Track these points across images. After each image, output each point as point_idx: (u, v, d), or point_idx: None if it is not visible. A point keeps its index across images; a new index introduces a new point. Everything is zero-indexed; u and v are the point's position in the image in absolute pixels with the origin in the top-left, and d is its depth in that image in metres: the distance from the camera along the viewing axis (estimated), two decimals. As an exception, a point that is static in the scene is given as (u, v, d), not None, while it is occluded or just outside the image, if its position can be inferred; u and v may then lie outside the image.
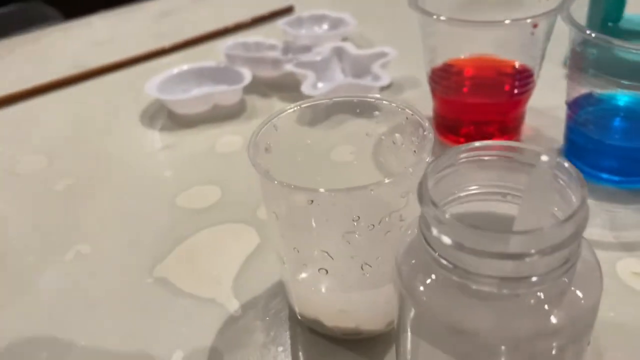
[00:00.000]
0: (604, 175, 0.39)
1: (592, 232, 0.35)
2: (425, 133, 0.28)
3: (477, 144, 0.22)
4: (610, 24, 0.41)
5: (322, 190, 0.24)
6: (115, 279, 0.36)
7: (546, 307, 0.20)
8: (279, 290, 0.34)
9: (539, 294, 0.20)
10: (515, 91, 0.43)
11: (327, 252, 0.27)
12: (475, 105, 0.44)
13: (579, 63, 0.38)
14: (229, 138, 0.49)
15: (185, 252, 0.38)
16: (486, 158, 0.22)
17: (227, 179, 0.44)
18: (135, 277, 0.36)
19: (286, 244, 0.28)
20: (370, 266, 0.27)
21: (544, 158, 0.19)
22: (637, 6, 0.45)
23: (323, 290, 0.29)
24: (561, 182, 0.21)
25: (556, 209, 0.21)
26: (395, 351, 0.25)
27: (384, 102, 0.31)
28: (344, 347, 0.30)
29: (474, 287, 0.20)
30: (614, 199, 0.38)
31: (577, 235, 0.19)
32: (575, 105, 0.39)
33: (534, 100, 0.44)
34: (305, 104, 0.31)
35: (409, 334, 0.23)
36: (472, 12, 0.45)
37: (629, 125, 0.39)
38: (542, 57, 0.42)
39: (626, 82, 0.37)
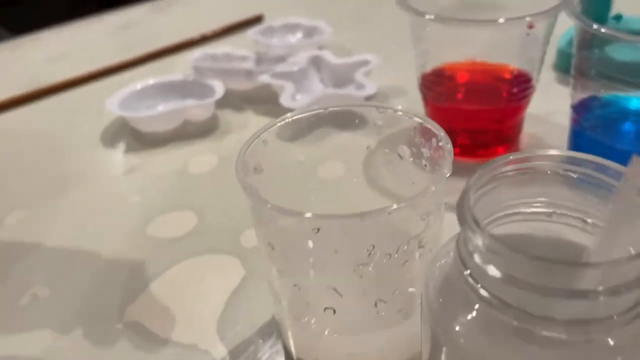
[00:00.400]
0: (615, 183, 0.36)
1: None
2: (441, 144, 0.24)
3: (523, 154, 0.19)
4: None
5: (330, 216, 0.20)
6: (79, 326, 0.31)
7: (625, 355, 0.16)
8: (272, 331, 0.29)
9: (616, 339, 0.16)
10: (513, 97, 0.40)
11: (335, 289, 0.22)
12: (471, 112, 0.41)
13: (583, 63, 0.35)
14: (202, 157, 0.45)
15: (159, 290, 0.33)
16: (534, 171, 0.19)
17: (203, 203, 0.39)
18: (103, 323, 0.31)
19: (284, 280, 0.24)
20: (386, 302, 0.23)
21: (630, 174, 0.16)
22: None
23: (329, 332, 0.24)
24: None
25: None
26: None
27: (388, 110, 0.27)
28: (353, 395, 0.26)
29: (533, 331, 0.16)
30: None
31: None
32: (581, 108, 0.37)
33: (530, 106, 0.41)
34: (297, 115, 0.27)
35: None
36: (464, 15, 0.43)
37: (638, 130, 0.37)
38: (541, 60, 0.39)
39: (634, 82, 0.34)
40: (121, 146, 0.47)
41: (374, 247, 0.21)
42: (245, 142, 0.25)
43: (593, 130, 0.36)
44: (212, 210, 0.39)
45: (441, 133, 0.24)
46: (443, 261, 0.19)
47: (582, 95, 0.36)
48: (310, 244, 0.21)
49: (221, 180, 0.42)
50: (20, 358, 0.29)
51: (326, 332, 0.25)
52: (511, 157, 0.18)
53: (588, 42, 0.34)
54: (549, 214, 0.19)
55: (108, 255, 0.36)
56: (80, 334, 0.30)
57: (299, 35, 0.60)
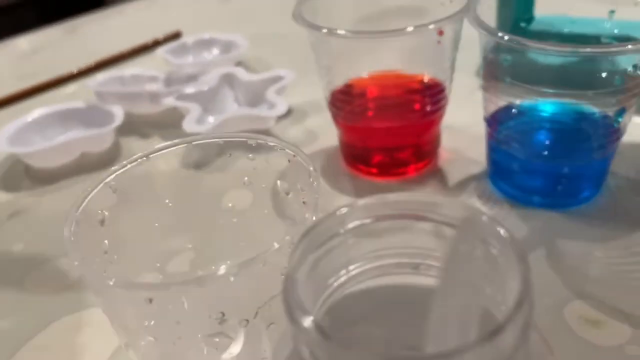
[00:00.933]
0: (536, 199, 0.34)
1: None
2: (311, 180, 0.21)
3: (365, 201, 0.15)
4: (522, 24, 0.37)
5: (159, 283, 0.17)
6: None
7: None
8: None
9: None
10: (427, 109, 0.37)
11: (186, 363, 0.19)
12: (384, 129, 0.38)
13: (493, 72, 0.33)
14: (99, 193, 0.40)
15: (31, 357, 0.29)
16: (386, 219, 0.16)
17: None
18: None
19: (133, 352, 0.20)
20: (254, 371, 0.20)
21: (462, 231, 0.13)
22: (545, 7, 0.41)
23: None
24: (493, 250, 0.14)
25: (488, 290, 0.14)
26: None
27: (258, 140, 0.23)
28: None
29: None
30: (548, 227, 0.33)
31: (523, 340, 0.12)
32: (494, 121, 0.34)
33: (449, 118, 0.38)
34: (153, 153, 0.23)
35: None
36: (371, 23, 0.40)
37: (555, 139, 0.34)
38: (452, 68, 0.36)
39: (548, 90, 0.32)
40: (8, 187, 0.42)
41: (223, 314, 0.18)
42: (79, 197, 0.21)
43: (507, 145, 0.33)
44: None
45: (310, 168, 0.21)
46: (287, 343, 0.16)
47: (494, 106, 0.34)
48: (146, 314, 0.18)
49: (118, 220, 0.38)
50: None
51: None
52: (346, 210, 0.15)
53: (496, 49, 0.32)
54: (416, 266, 0.16)
55: (-25, 317, 0.31)
56: None
57: (216, 51, 0.57)
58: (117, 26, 0.70)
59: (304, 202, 0.23)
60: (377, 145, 0.39)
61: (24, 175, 0.43)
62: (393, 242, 0.16)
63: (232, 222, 0.25)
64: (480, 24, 0.31)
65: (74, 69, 0.57)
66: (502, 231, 0.14)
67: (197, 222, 0.25)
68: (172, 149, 0.24)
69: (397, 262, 0.16)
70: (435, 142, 0.39)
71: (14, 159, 0.45)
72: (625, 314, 0.27)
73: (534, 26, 0.39)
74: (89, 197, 0.21)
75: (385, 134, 0.38)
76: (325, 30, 0.33)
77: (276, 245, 0.17)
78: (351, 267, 0.16)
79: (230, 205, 0.25)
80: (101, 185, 0.22)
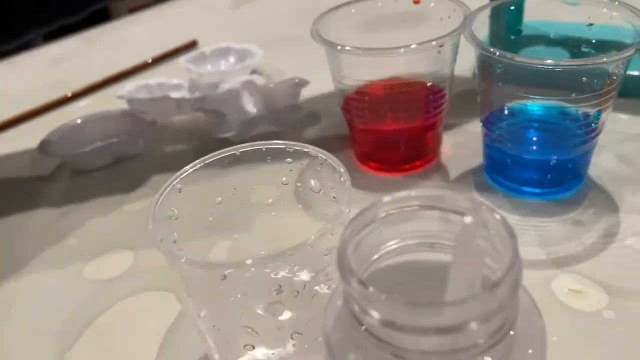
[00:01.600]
0: (526, 189, 0.39)
1: (523, 250, 0.34)
2: (342, 179, 0.26)
3: (396, 195, 0.20)
4: (512, 37, 0.41)
5: (234, 263, 0.22)
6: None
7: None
8: (208, 365, 0.30)
9: None
10: (430, 112, 0.42)
11: (250, 328, 0.24)
12: (392, 131, 0.43)
13: (487, 79, 0.38)
14: (137, 193, 0.45)
15: (97, 333, 0.33)
16: (408, 209, 0.21)
17: (140, 241, 0.40)
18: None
19: (204, 322, 0.25)
20: (301, 334, 0.25)
21: (468, 220, 0.18)
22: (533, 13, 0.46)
23: (252, 366, 0.26)
24: (491, 231, 0.19)
25: (488, 261, 0.19)
26: None
27: (295, 147, 0.28)
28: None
29: (411, 362, 0.18)
30: (539, 213, 0.38)
31: (513, 293, 0.17)
32: (488, 122, 0.39)
33: (449, 119, 0.43)
34: (209, 159, 0.28)
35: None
36: (376, 32, 0.44)
37: (543, 136, 0.39)
38: (452, 76, 0.41)
39: (535, 94, 0.36)
40: (54, 187, 0.47)
41: (280, 286, 0.23)
42: (157, 195, 0.26)
43: (501, 143, 0.38)
44: (148, 248, 0.39)
45: (341, 169, 0.26)
46: (337, 301, 0.20)
47: (488, 109, 0.38)
48: (220, 289, 0.23)
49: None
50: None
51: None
52: (383, 202, 0.20)
53: (488, 61, 0.37)
54: (432, 245, 0.21)
55: (43, 301, 0.36)
56: (20, 386, 0.31)
57: (232, 59, 0.61)
58: (132, 36, 0.75)
59: (334, 198, 0.28)
60: (385, 145, 0.43)
61: (67, 178, 0.48)
62: (413, 227, 0.21)
63: (271, 216, 0.30)
64: (475, 41, 0.35)
65: (98, 77, 0.61)
66: (497, 216, 0.19)
67: (242, 217, 0.30)
68: (221, 156, 0.28)
69: (417, 242, 0.21)
70: (437, 141, 0.44)
71: (55, 163, 0.49)
72: (604, 285, 0.32)
73: (525, 31, 0.44)
74: (162, 197, 0.26)
75: (393, 134, 0.43)
76: (339, 47, 0.38)
77: (319, 233, 0.22)
78: (382, 247, 0.21)
79: (270, 201, 0.30)
80: (169, 187, 0.26)
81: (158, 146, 0.50)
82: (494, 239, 0.19)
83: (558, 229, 0.36)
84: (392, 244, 0.21)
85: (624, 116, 0.45)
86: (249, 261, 0.21)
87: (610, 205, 0.38)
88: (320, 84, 0.52)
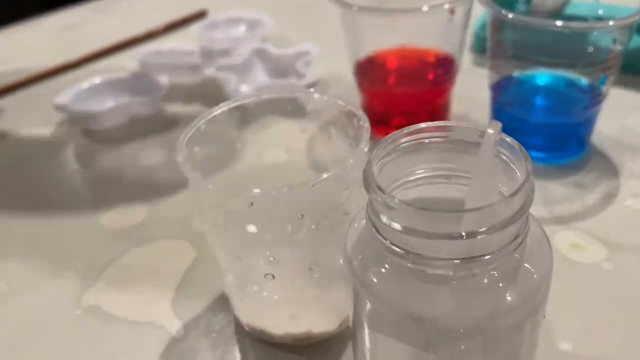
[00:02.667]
0: (532, 153, 0.40)
1: (527, 208, 0.36)
2: (360, 123, 0.27)
3: (417, 126, 0.22)
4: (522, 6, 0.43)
5: (261, 191, 0.23)
6: (40, 314, 0.33)
7: (501, 284, 0.20)
8: (223, 305, 0.32)
9: (493, 272, 0.19)
10: (440, 79, 0.43)
11: (272, 257, 0.25)
12: (402, 95, 0.44)
13: (498, 46, 0.39)
14: (151, 150, 0.46)
15: (115, 275, 0.35)
16: (427, 141, 0.22)
17: (154, 194, 0.41)
18: (62, 310, 0.33)
19: (227, 253, 0.26)
20: (319, 265, 0.26)
21: (490, 130, 0.19)
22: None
23: (271, 296, 0.27)
24: (504, 157, 0.20)
25: (502, 186, 0.21)
26: (353, 351, 0.24)
27: (315, 96, 0.29)
28: (297, 354, 0.29)
29: (429, 271, 0.19)
30: (543, 176, 0.39)
31: (525, 208, 0.19)
32: (498, 88, 0.40)
33: (458, 86, 0.45)
34: (232, 104, 0.29)
35: (366, 329, 0.22)
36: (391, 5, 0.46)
37: (549, 103, 0.40)
38: (462, 43, 0.42)
39: (544, 60, 0.38)
40: (71, 144, 0.48)
41: (302, 216, 0.24)
42: (185, 131, 0.27)
43: (509, 107, 0.40)
44: (162, 201, 0.41)
45: (360, 113, 0.27)
46: (357, 224, 0.22)
47: (498, 76, 0.40)
48: (246, 217, 0.24)
49: (169, 172, 0.44)
50: (-17, 346, 0.31)
51: (270, 297, 0.27)
52: (403, 132, 0.21)
53: (501, 26, 0.38)
54: (449, 177, 0.22)
55: (63, 247, 0.37)
56: (43, 323, 0.32)
57: (242, 28, 0.62)
58: (142, 5, 0.75)
59: (350, 144, 0.29)
60: (396, 109, 0.45)
61: (81, 136, 0.49)
62: (429, 159, 0.22)
63: (290, 160, 0.32)
64: (488, 4, 0.36)
65: (106, 44, 0.62)
66: (509, 140, 0.20)
67: (263, 159, 0.31)
68: (245, 101, 0.30)
69: (433, 174, 0.22)
70: (446, 107, 0.45)
71: (69, 122, 0.50)
72: (603, 240, 0.34)
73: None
74: (188, 135, 0.27)
75: (403, 99, 0.44)
76: (355, 8, 0.39)
77: (341, 167, 0.24)
78: (400, 176, 0.22)
79: (290, 145, 0.31)
80: (194, 129, 0.27)
81: (171, 107, 0.51)
82: (508, 167, 0.20)
83: (561, 190, 0.38)
84: (409, 175, 0.22)
85: (628, 92, 0.47)
86: (273, 192, 0.22)
87: (611, 170, 0.39)
88: (330, 53, 0.53)
